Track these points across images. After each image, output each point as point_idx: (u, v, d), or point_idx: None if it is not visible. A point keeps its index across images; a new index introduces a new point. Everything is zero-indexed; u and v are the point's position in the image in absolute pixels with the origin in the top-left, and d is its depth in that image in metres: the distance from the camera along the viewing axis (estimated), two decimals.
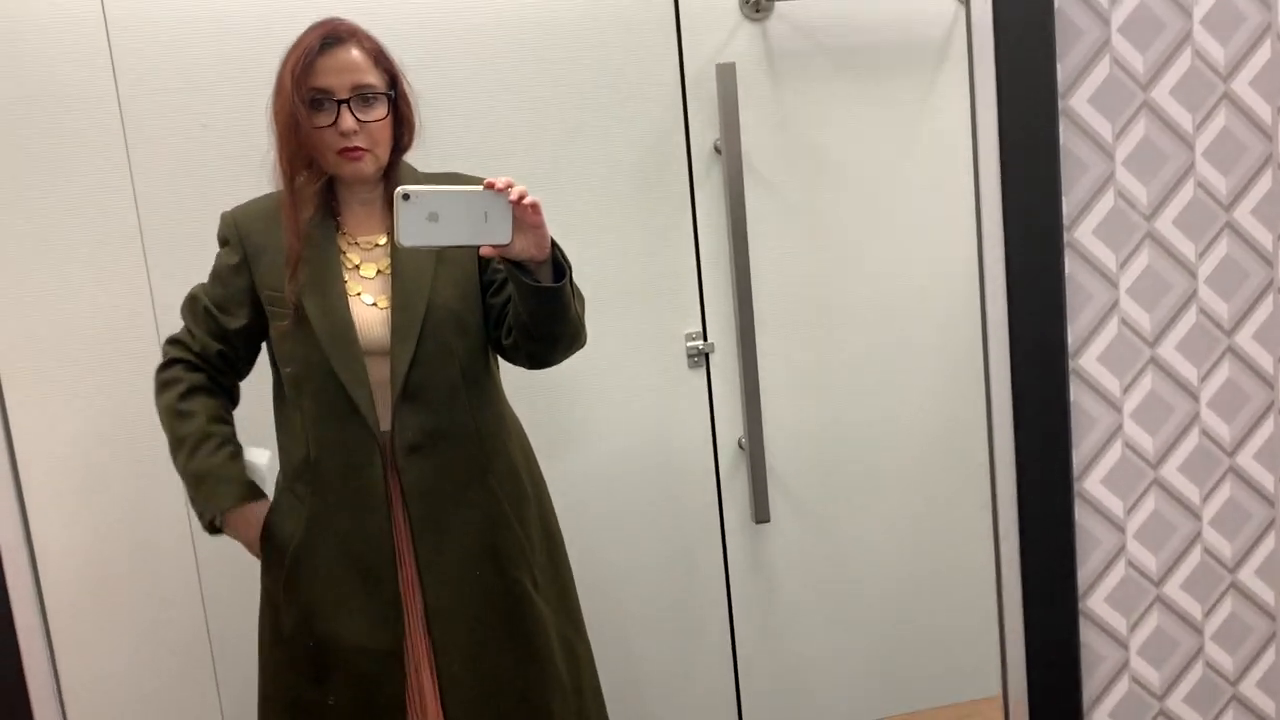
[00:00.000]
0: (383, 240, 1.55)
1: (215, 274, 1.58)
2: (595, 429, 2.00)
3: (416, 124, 1.56)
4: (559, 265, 1.45)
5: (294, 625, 1.54)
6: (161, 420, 1.58)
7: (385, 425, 1.52)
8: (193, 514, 1.73)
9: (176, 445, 1.56)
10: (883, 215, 2.04)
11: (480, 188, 1.32)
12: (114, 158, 1.77)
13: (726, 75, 1.88)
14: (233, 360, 1.59)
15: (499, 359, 1.66)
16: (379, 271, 1.55)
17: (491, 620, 1.56)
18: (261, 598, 1.61)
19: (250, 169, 1.62)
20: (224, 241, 1.58)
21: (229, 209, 1.60)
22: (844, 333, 2.06)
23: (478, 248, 1.38)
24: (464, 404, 1.54)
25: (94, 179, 1.76)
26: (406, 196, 1.28)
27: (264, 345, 1.63)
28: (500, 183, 1.33)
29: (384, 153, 1.53)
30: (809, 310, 2.04)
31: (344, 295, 1.51)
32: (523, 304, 1.44)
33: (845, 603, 2.14)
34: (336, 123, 1.47)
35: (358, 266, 1.53)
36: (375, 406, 1.51)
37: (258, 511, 1.54)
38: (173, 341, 1.60)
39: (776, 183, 1.99)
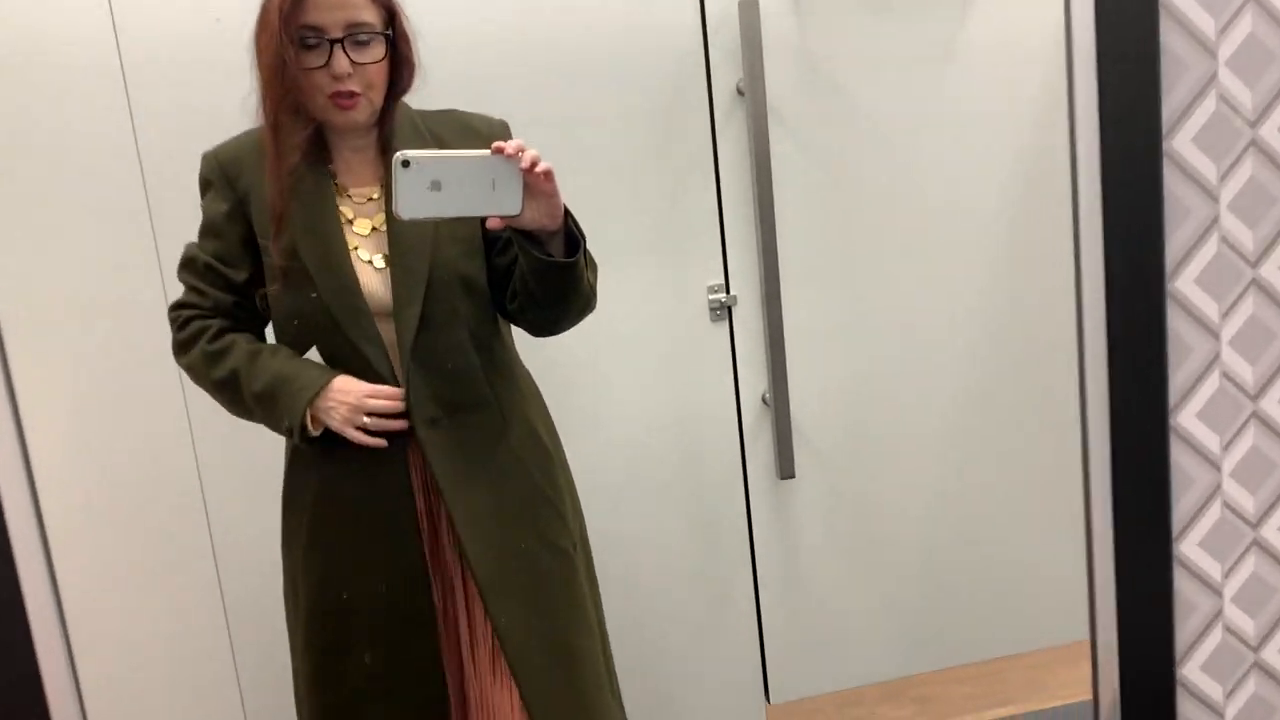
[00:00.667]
0: (377, 193, 1.42)
1: (206, 226, 1.44)
2: (614, 386, 1.95)
3: (417, 64, 1.42)
4: (571, 236, 1.35)
5: (317, 594, 1.46)
6: (199, 378, 1.44)
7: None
8: (207, 495, 1.66)
9: (226, 385, 1.42)
10: (914, 160, 1.96)
11: (487, 153, 1.23)
12: (117, 118, 1.69)
13: (749, 13, 1.79)
14: (253, 312, 1.46)
15: None
16: (374, 229, 1.42)
17: (543, 590, 1.48)
18: (284, 572, 1.52)
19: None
20: (207, 185, 1.43)
21: (210, 148, 1.44)
22: (872, 283, 1.98)
23: (484, 218, 1.29)
24: (478, 370, 1.45)
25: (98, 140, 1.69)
26: (406, 163, 1.18)
27: None
28: (510, 147, 1.22)
29: (379, 97, 1.39)
30: (836, 260, 1.96)
31: (346, 249, 1.39)
32: (532, 276, 1.35)
33: (873, 559, 2.09)
34: (329, 64, 1.33)
35: (350, 221, 1.41)
36: (393, 366, 1.42)
37: (348, 378, 1.40)
38: (179, 305, 1.46)
39: (802, 127, 1.91)
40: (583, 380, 1.90)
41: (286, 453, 1.50)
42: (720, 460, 1.99)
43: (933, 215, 1.98)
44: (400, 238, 1.40)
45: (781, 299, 1.90)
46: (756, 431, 1.99)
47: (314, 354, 1.45)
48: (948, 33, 1.92)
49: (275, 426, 1.42)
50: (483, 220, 1.40)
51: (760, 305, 1.92)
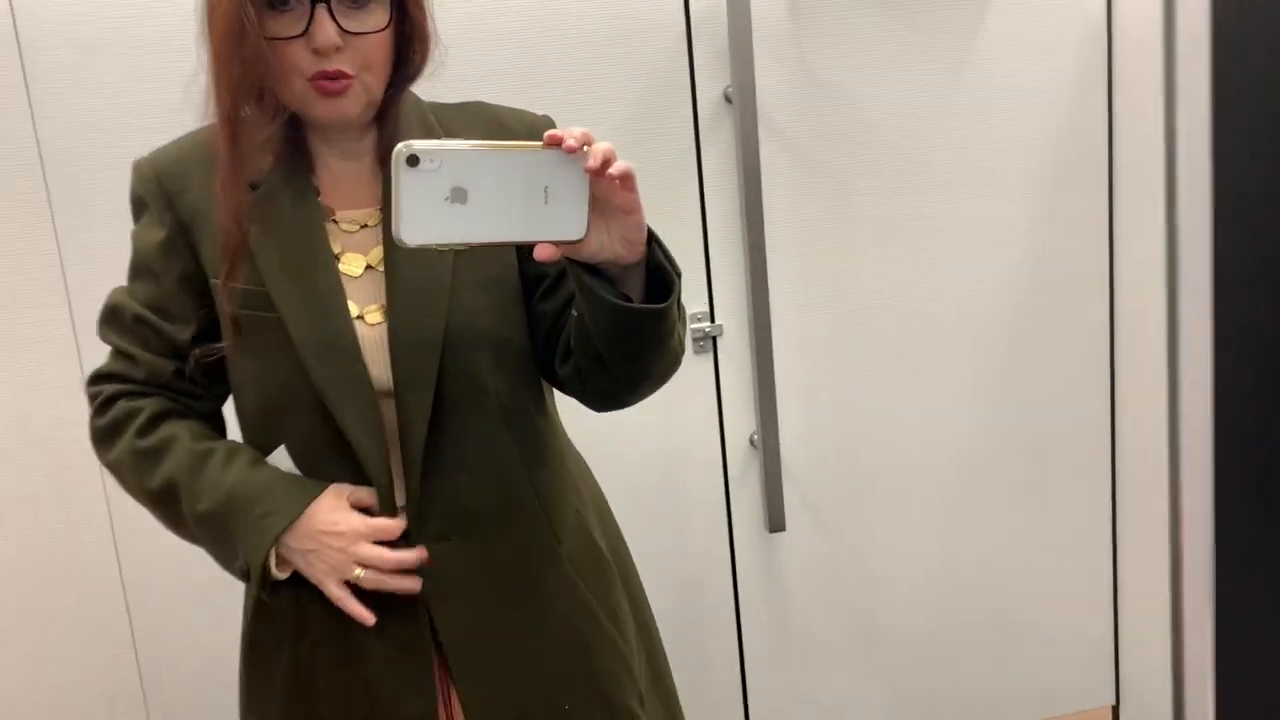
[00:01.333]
0: (373, 219, 1.05)
1: (138, 263, 1.08)
2: (584, 423, 1.72)
3: (433, 38, 1.04)
4: (657, 270, 0.96)
5: None
6: (126, 485, 1.09)
7: (400, 498, 1.08)
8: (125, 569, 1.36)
9: (161, 499, 1.06)
10: (918, 175, 1.76)
11: (537, 145, 0.86)
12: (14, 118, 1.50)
13: (740, 12, 1.60)
14: (197, 381, 1.09)
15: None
16: (369, 267, 1.05)
17: None
18: None
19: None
20: (139, 206, 1.08)
21: (144, 155, 1.08)
22: (873, 313, 1.78)
23: (529, 245, 0.89)
24: (512, 463, 1.09)
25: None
26: (414, 160, 0.83)
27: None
28: (572, 137, 0.86)
29: (379, 82, 1.01)
30: (831, 287, 1.76)
31: (340, 291, 1.03)
32: (598, 329, 0.97)
33: (869, 622, 1.88)
34: (309, 33, 0.96)
35: (337, 257, 1.04)
36: (392, 470, 1.06)
37: (335, 497, 1.05)
38: (100, 377, 1.10)
39: (796, 137, 1.71)
40: None
41: (245, 601, 1.13)
42: (702, 510, 1.78)
43: (939, 235, 1.78)
44: (404, 282, 1.02)
45: (772, 329, 1.70)
46: (743, 477, 1.78)
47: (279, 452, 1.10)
48: (956, 37, 1.73)
49: (225, 563, 1.06)
50: (525, 250, 0.98)
51: (748, 336, 1.72)
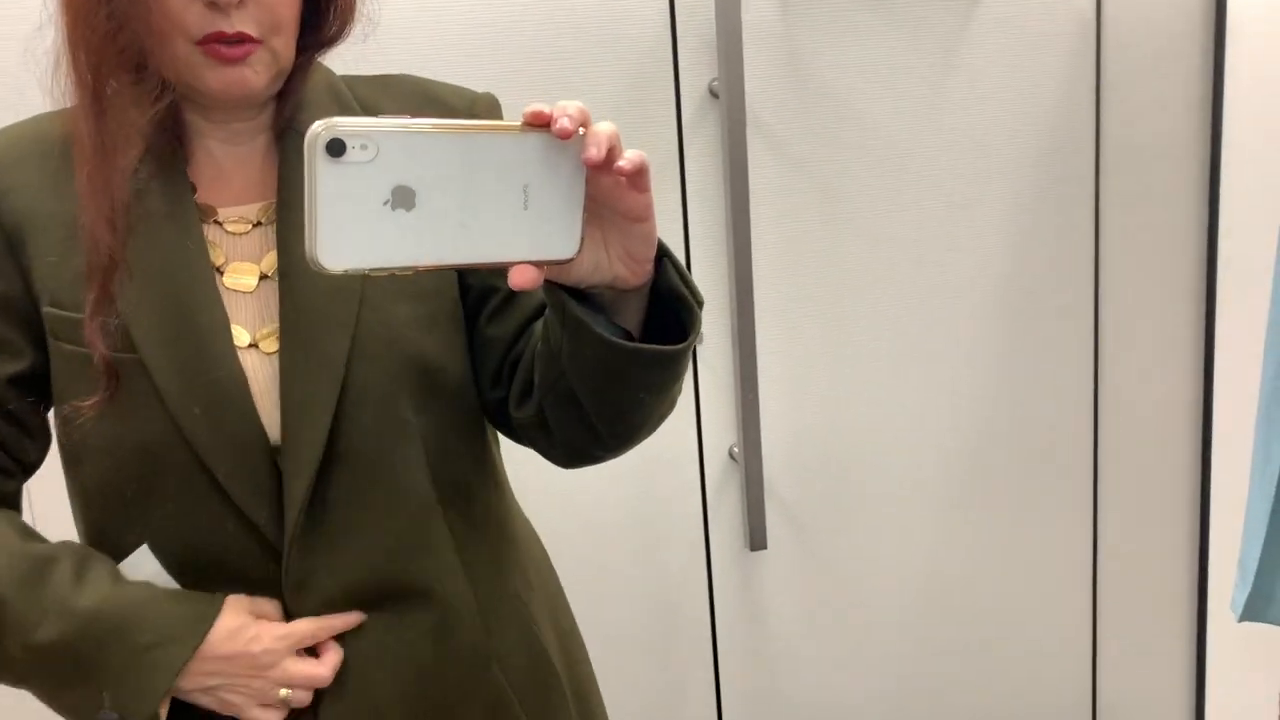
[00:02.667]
0: (268, 216, 0.83)
1: None
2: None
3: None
4: (670, 297, 0.75)
5: None
6: None
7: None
8: None
9: None
10: (911, 177, 1.68)
11: (515, 126, 0.64)
12: None
13: (728, 2, 1.51)
14: (5, 441, 0.83)
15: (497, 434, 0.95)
16: (264, 277, 0.83)
17: None
18: None
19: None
20: None
21: None
22: (861, 320, 1.70)
23: (502, 268, 0.66)
24: (437, 535, 0.86)
25: None
26: (339, 145, 0.59)
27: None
28: (565, 115, 0.63)
29: (287, 47, 0.80)
30: (819, 293, 1.68)
31: (223, 323, 0.80)
32: (586, 369, 0.75)
33: (854, 646, 1.80)
34: None
35: (220, 270, 0.82)
36: (289, 546, 0.82)
37: (235, 612, 0.82)
38: None
39: (784, 135, 1.62)
40: None
41: None
42: (679, 527, 1.69)
43: (931, 240, 1.71)
44: (301, 293, 0.80)
45: (756, 336, 1.61)
46: (722, 493, 1.69)
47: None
48: (951, 34, 1.66)
49: (74, 712, 0.80)
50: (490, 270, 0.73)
51: (731, 343, 1.63)
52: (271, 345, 0.81)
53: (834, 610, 1.78)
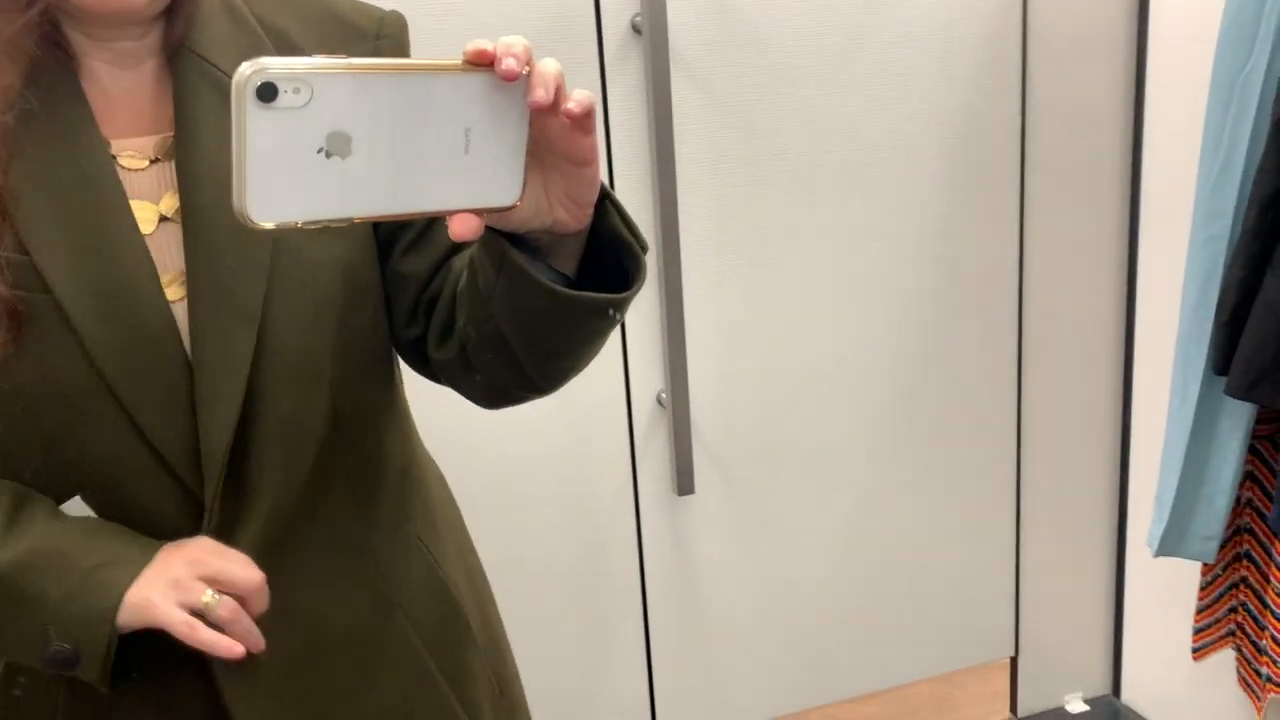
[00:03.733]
0: (164, 151, 0.77)
1: None
2: None
3: None
4: (610, 241, 0.71)
5: None
6: None
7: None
8: None
9: None
10: (840, 115, 1.66)
11: (456, 64, 0.59)
12: None
13: None
14: None
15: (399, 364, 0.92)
16: (163, 219, 0.77)
17: None
18: None
19: None
20: None
21: None
22: (789, 262, 1.69)
23: (441, 216, 0.63)
24: (342, 479, 0.83)
25: None
26: (270, 90, 0.54)
27: None
28: (511, 55, 0.59)
29: None
30: (746, 234, 1.66)
31: (150, 267, 0.75)
32: (522, 315, 0.71)
33: (779, 586, 1.82)
34: None
35: None
36: (210, 502, 0.78)
37: (185, 547, 0.77)
38: None
39: (707, 72, 1.59)
40: None
41: None
42: (608, 472, 1.68)
43: (860, 181, 1.69)
44: (207, 236, 0.75)
45: (683, 280, 1.59)
46: (649, 438, 1.68)
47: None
48: None
49: (19, 649, 0.76)
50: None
51: (658, 287, 1.61)
52: (176, 293, 0.76)
53: (760, 554, 1.79)
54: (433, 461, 0.99)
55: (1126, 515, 1.97)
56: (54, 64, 0.73)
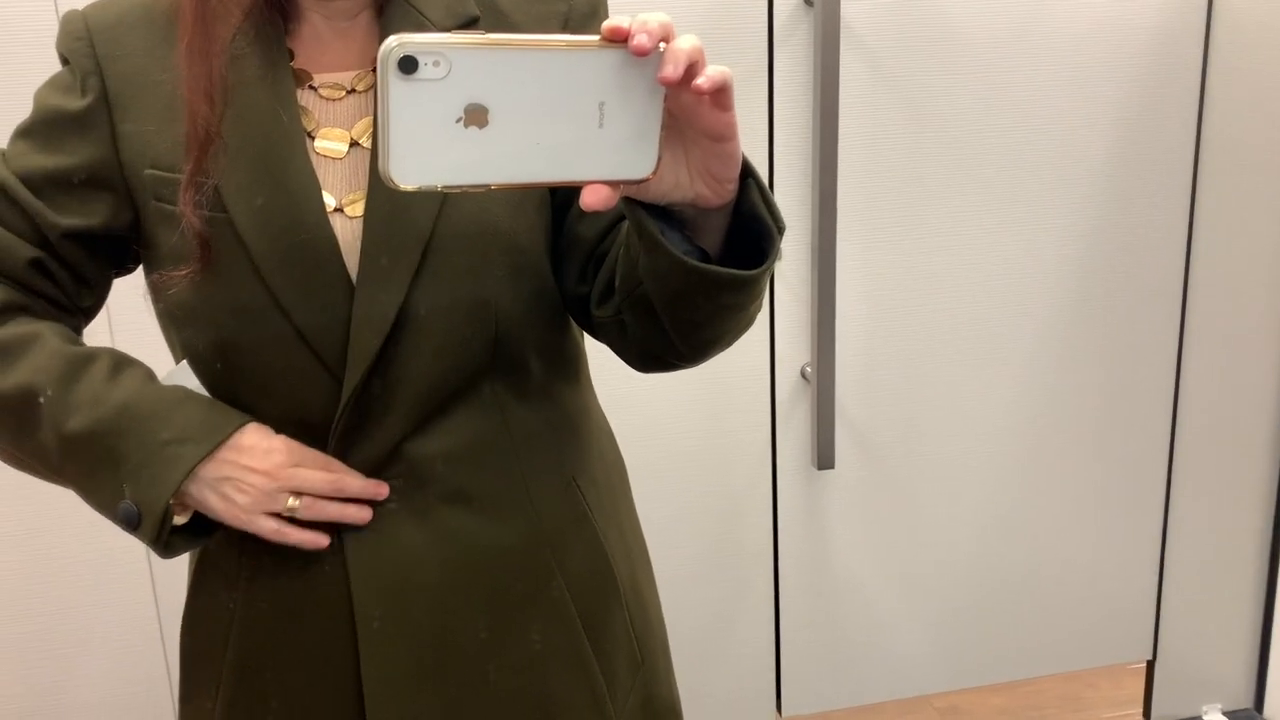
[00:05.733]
0: (363, 83, 0.84)
1: (34, 124, 0.84)
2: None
3: None
4: (750, 218, 0.73)
5: None
6: None
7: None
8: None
9: (12, 404, 0.82)
10: (1011, 99, 1.62)
11: (592, 40, 0.62)
12: None
13: None
14: (62, 284, 0.86)
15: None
16: (354, 144, 0.83)
17: None
18: None
19: None
20: (63, 64, 0.86)
21: (78, 8, 0.86)
22: (946, 246, 1.67)
23: (576, 186, 0.65)
24: (507, 418, 0.87)
25: None
26: (411, 62, 0.58)
27: (140, 271, 0.89)
28: (644, 31, 0.61)
29: None
30: (905, 215, 1.64)
31: (316, 191, 0.81)
32: (663, 284, 0.74)
33: (911, 566, 1.81)
34: None
35: (311, 135, 0.83)
36: (347, 398, 0.83)
37: (259, 430, 0.84)
38: None
39: (879, 48, 1.57)
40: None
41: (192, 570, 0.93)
42: (747, 442, 1.70)
43: (1027, 169, 1.65)
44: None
45: (836, 256, 1.59)
46: (791, 411, 1.69)
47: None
48: None
49: (99, 501, 0.82)
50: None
51: (810, 262, 1.61)
52: (357, 210, 0.82)
53: (896, 534, 1.78)
54: (605, 420, 1.01)
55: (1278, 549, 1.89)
56: (264, 14, 0.81)
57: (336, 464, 0.85)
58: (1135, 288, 1.74)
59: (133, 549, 1.55)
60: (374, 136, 0.81)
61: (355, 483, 0.84)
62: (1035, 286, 1.71)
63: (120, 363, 0.84)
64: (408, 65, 0.58)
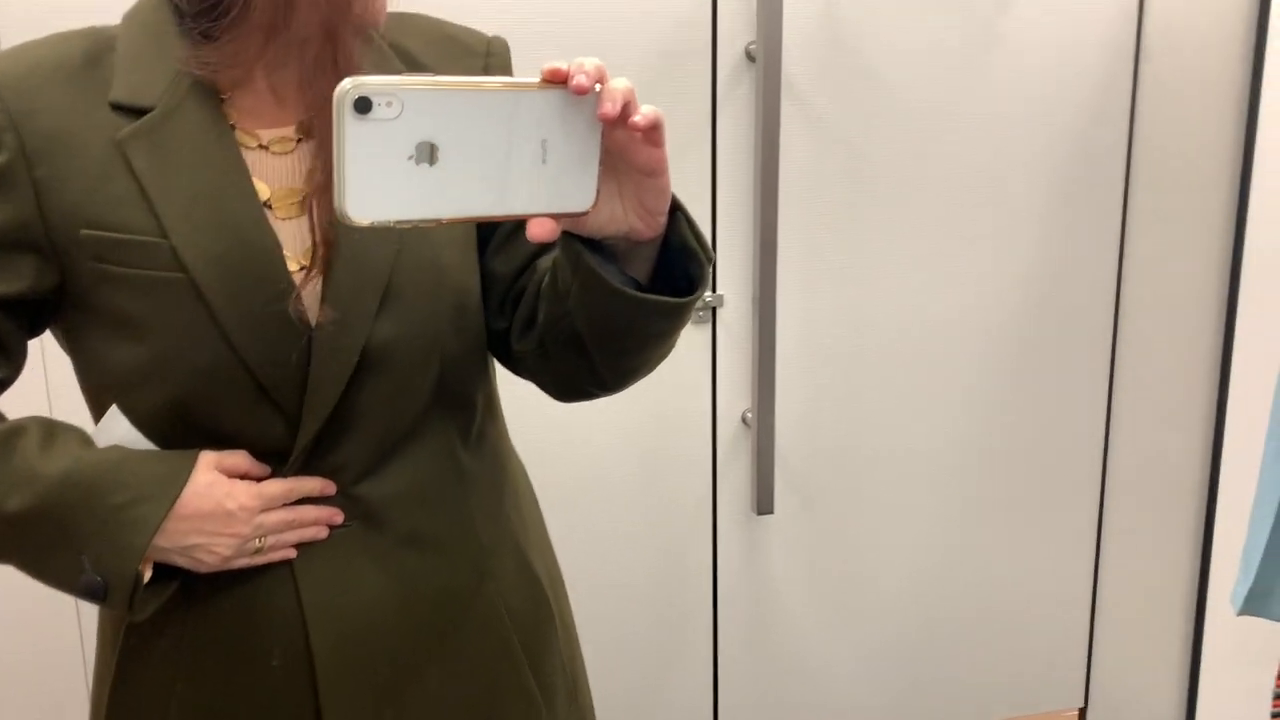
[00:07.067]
0: (300, 133, 0.84)
1: None
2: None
3: None
4: (680, 250, 0.76)
5: None
6: None
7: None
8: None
9: None
10: (942, 154, 1.68)
11: (532, 81, 0.66)
12: None
13: None
14: None
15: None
16: (300, 200, 0.83)
17: None
18: None
19: None
20: None
21: None
22: (882, 294, 1.71)
23: (520, 220, 0.69)
24: (445, 449, 0.88)
25: None
26: (365, 103, 0.61)
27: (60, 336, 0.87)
28: (582, 73, 0.65)
29: None
30: (842, 263, 1.69)
31: (277, 249, 0.81)
32: (593, 313, 0.77)
33: (854, 613, 1.82)
34: None
35: (268, 203, 0.83)
36: (302, 442, 0.84)
37: (208, 470, 0.82)
38: None
39: (819, 103, 1.62)
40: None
41: (102, 629, 0.91)
42: (688, 487, 1.71)
43: (957, 221, 1.71)
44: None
45: (776, 303, 1.62)
46: (732, 456, 1.71)
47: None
48: (992, 13, 1.65)
49: (57, 578, 0.80)
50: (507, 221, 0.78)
51: (751, 309, 1.64)
52: (314, 264, 0.81)
53: (835, 579, 1.80)
54: (521, 463, 1.03)
55: (1209, 569, 1.94)
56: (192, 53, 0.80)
57: (295, 487, 0.84)
58: (1067, 334, 1.80)
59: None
60: (328, 174, 0.81)
61: (311, 513, 0.85)
62: (970, 332, 1.76)
63: (50, 431, 0.81)
64: (362, 105, 0.60)
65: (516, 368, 0.91)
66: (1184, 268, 1.83)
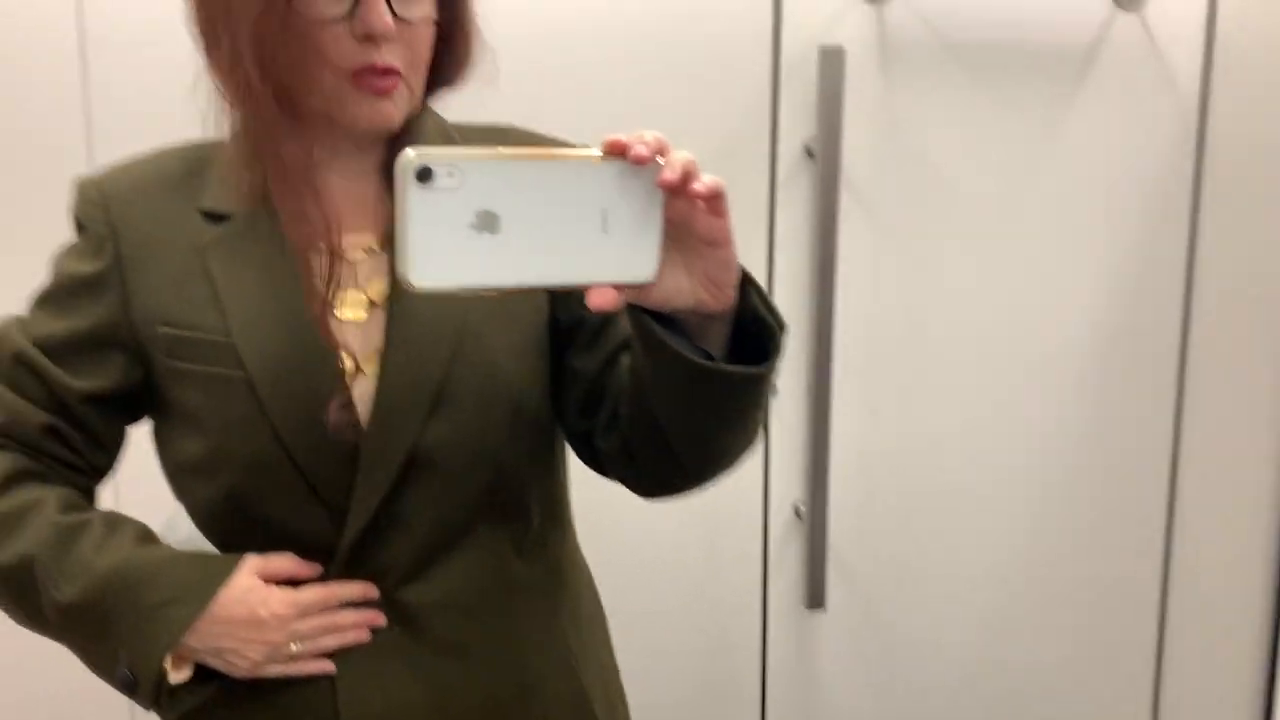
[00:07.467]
0: (377, 243, 0.86)
1: (51, 291, 0.87)
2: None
3: (477, 37, 0.88)
4: (753, 322, 0.75)
5: None
6: None
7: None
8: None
9: (14, 578, 0.82)
10: (1004, 253, 1.68)
11: (593, 153, 0.67)
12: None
13: (832, 62, 1.53)
14: (76, 446, 0.86)
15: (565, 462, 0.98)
16: (372, 304, 0.85)
17: None
18: None
19: None
20: (78, 229, 0.87)
21: (91, 174, 0.89)
22: (940, 392, 1.70)
23: (581, 289, 0.69)
24: (489, 559, 0.88)
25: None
26: (427, 172, 0.62)
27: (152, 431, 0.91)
28: (642, 143, 0.66)
29: (420, 84, 0.84)
30: (900, 360, 1.68)
31: (334, 355, 0.84)
32: (668, 392, 0.76)
33: (901, 711, 1.78)
34: (356, 14, 0.77)
35: (331, 301, 0.84)
36: (348, 541, 0.85)
37: (248, 575, 0.84)
38: None
39: (876, 199, 1.63)
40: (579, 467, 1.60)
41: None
42: (738, 579, 1.69)
43: (1019, 320, 1.70)
44: (407, 317, 0.83)
45: (831, 396, 1.61)
46: (783, 548, 1.69)
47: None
48: (1055, 110, 1.66)
49: (102, 669, 0.84)
50: (565, 294, 0.82)
51: (806, 401, 1.64)
52: (372, 366, 0.84)
53: (889, 676, 1.76)
54: (589, 574, 1.03)
55: (1276, 681, 1.87)
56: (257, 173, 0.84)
57: (334, 594, 0.85)
58: (1128, 439, 1.77)
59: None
60: (392, 242, 0.85)
61: (350, 618, 0.86)
62: (1027, 433, 1.73)
63: (113, 525, 0.84)
64: (424, 175, 0.62)
65: (603, 468, 0.90)
66: (1243, 392, 1.80)
